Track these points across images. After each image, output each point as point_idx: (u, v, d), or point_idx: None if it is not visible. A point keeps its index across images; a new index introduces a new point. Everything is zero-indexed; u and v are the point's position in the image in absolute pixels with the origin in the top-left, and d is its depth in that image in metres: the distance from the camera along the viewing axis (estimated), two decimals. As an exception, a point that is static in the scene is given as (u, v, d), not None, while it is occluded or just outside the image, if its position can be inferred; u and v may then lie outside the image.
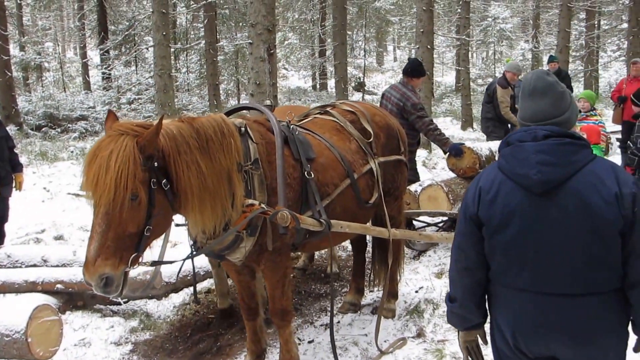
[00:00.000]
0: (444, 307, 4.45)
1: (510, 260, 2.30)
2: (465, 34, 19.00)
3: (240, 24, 22.89)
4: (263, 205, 3.53)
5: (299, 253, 6.37)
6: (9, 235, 6.95)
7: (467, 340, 2.58)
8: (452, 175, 6.95)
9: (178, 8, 22.92)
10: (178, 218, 3.54)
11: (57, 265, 5.68)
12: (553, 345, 2.27)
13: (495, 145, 7.04)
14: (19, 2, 24.89)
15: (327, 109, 4.80)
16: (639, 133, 6.30)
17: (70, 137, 17.33)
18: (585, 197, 2.17)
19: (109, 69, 22.53)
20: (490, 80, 18.29)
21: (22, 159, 8.38)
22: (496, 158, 5.77)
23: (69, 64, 30.76)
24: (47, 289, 5.40)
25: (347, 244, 6.69)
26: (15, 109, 17.55)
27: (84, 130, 17.99)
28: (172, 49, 17.85)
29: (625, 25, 21.44)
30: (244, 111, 4.42)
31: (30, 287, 5.42)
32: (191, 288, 5.43)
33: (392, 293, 5.12)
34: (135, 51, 21.80)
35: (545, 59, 21.11)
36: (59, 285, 5.39)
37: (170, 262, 3.74)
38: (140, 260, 3.15)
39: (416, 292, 5.53)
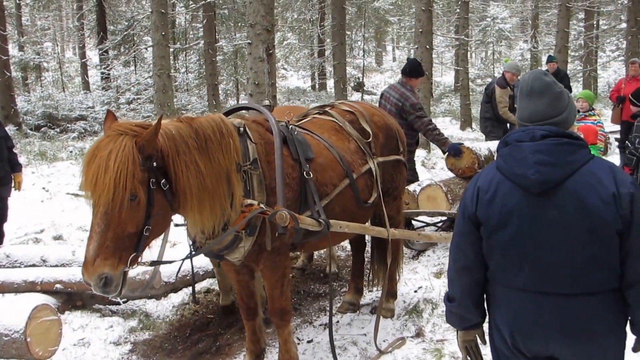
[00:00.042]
0: (442, 307, 4.47)
1: (508, 259, 2.31)
2: (464, 34, 19.02)
3: (239, 24, 22.91)
4: (262, 205, 3.54)
5: (298, 253, 6.37)
6: (8, 235, 6.95)
7: (466, 340, 2.58)
8: (451, 175, 6.95)
9: (177, 8, 22.94)
10: (177, 218, 3.54)
11: (56, 265, 5.68)
12: (551, 345, 2.27)
13: (494, 145, 7.05)
14: (18, 2, 24.89)
15: (326, 109, 4.80)
16: (637, 133, 6.32)
17: (69, 137, 17.33)
18: (583, 197, 2.18)
19: (108, 69, 22.52)
20: (489, 80, 18.31)
21: (21, 159, 8.38)
22: (495, 158, 5.77)
23: (68, 64, 30.78)
24: (46, 288, 5.41)
25: (346, 243, 6.70)
26: (14, 109, 17.54)
27: (83, 130, 18.00)
28: (171, 49, 17.84)
29: (624, 25, 21.42)
30: (243, 111, 4.43)
31: (30, 287, 5.42)
32: (190, 288, 5.44)
33: (391, 293, 5.12)
34: (134, 51, 21.79)
35: (544, 59, 21.14)
36: (58, 285, 5.39)
37: (170, 262, 3.74)
38: (139, 260, 3.16)
39: (415, 291, 5.54)
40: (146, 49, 20.95)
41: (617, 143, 9.46)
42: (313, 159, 3.99)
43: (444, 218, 6.73)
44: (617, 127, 10.56)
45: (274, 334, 4.67)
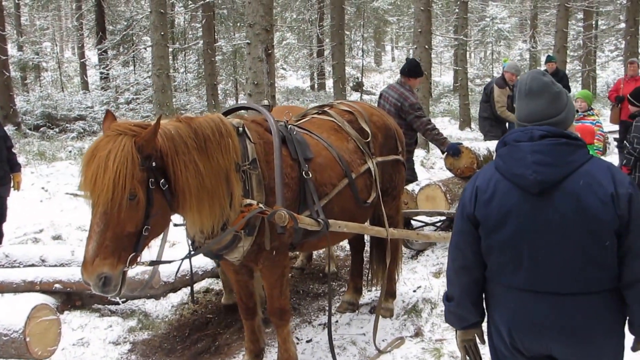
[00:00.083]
0: (441, 307, 4.47)
1: (506, 259, 2.31)
2: (463, 34, 19.02)
3: (239, 24, 22.91)
4: (261, 205, 3.54)
5: (297, 253, 6.38)
6: (7, 235, 6.95)
7: (465, 340, 2.59)
8: (450, 175, 6.96)
9: (176, 8, 22.94)
10: (176, 218, 3.54)
11: (55, 265, 5.68)
12: (550, 344, 2.27)
13: (492, 144, 7.06)
14: (17, 1, 24.90)
15: (325, 108, 4.80)
16: (636, 133, 6.33)
17: (68, 137, 17.32)
18: (581, 198, 2.18)
19: (107, 68, 22.52)
20: (488, 80, 18.32)
21: (20, 159, 8.39)
22: (493, 158, 5.77)
23: (67, 64, 30.78)
24: (45, 288, 5.41)
25: (345, 243, 6.70)
26: (13, 108, 17.53)
27: (82, 130, 17.97)
28: (170, 49, 17.84)
29: (622, 25, 21.45)
30: (242, 111, 4.43)
31: (29, 287, 5.43)
32: (190, 287, 5.44)
33: (390, 292, 5.13)
34: (134, 51, 21.78)
35: (542, 59, 21.12)
36: (57, 285, 5.39)
37: (169, 262, 3.74)
38: (138, 259, 3.17)
39: (414, 291, 5.54)
40: (145, 48, 20.96)
41: (615, 143, 9.46)
42: (312, 159, 4.00)
43: (442, 218, 6.74)
44: (616, 127, 10.57)
45: (273, 333, 4.68)
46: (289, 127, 4.06)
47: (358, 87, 27.38)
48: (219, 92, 22.30)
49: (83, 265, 2.98)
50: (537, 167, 2.22)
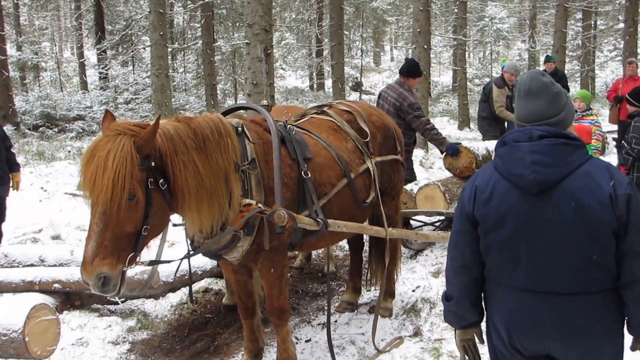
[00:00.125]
0: (440, 306, 4.47)
1: (505, 258, 2.32)
2: (462, 34, 19.01)
3: (238, 24, 22.90)
4: (260, 205, 3.54)
5: (296, 252, 6.38)
6: (6, 235, 6.95)
7: (464, 339, 2.59)
8: (449, 174, 6.97)
9: (175, 8, 22.92)
10: (175, 218, 3.55)
11: (55, 265, 5.69)
12: (548, 343, 2.28)
13: (491, 144, 7.07)
14: (16, 1, 24.88)
15: (324, 108, 4.81)
16: (634, 133, 6.33)
17: (67, 136, 17.32)
18: (579, 198, 2.18)
19: (106, 68, 22.52)
20: (487, 80, 18.33)
21: (20, 159, 8.39)
22: (492, 157, 5.79)
23: (66, 64, 30.74)
24: (44, 288, 5.41)
25: (344, 243, 6.70)
26: (13, 108, 17.53)
27: (81, 130, 17.97)
28: (170, 49, 17.84)
29: (621, 25, 21.47)
30: (241, 111, 4.44)
31: (28, 287, 5.43)
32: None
33: (389, 292, 5.14)
34: (133, 51, 21.76)
35: (541, 58, 21.13)
36: (56, 285, 5.39)
37: (168, 262, 3.74)
38: (137, 259, 3.17)
39: (413, 291, 5.54)
40: (144, 48, 20.96)
41: (614, 143, 9.47)
42: (311, 159, 4.00)
43: (441, 217, 6.75)
44: (615, 127, 10.58)
45: (272, 333, 4.68)
46: (288, 127, 4.06)
47: (357, 87, 27.37)
48: (218, 92, 22.28)
49: (82, 264, 2.99)
50: (535, 167, 2.22)
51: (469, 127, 17.97)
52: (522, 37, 33.20)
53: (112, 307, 5.53)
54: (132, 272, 4.98)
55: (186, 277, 5.66)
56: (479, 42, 31.31)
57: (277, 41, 27.26)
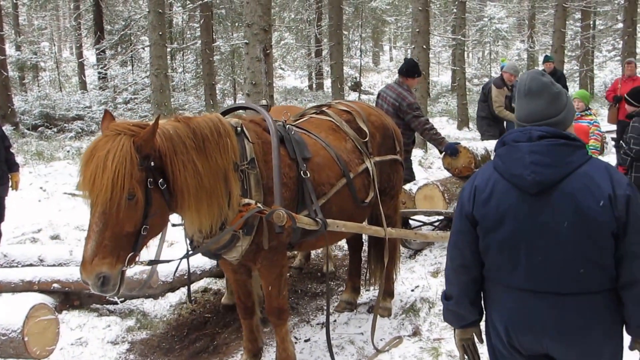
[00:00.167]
0: (439, 306, 4.48)
1: (504, 258, 2.32)
2: (461, 34, 19.02)
3: (237, 24, 22.89)
4: (259, 205, 3.55)
5: (295, 252, 6.38)
6: (5, 235, 6.94)
7: (463, 338, 2.59)
8: (448, 174, 6.97)
9: (174, 8, 22.90)
10: (174, 218, 3.55)
11: (54, 265, 5.69)
12: (548, 343, 2.28)
13: (490, 144, 7.07)
14: (14, 1, 24.87)
15: (323, 108, 4.81)
16: (632, 133, 6.33)
17: (66, 136, 17.31)
18: (579, 199, 2.18)
19: (105, 68, 22.50)
20: (486, 80, 18.32)
21: (19, 159, 8.38)
22: (492, 157, 5.79)
23: (65, 64, 30.76)
24: (43, 288, 5.41)
25: (343, 243, 6.70)
26: (12, 108, 17.52)
27: (80, 130, 17.96)
28: (169, 49, 17.83)
29: (620, 25, 21.47)
30: (240, 111, 4.44)
31: (27, 287, 5.43)
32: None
33: (388, 292, 5.14)
34: (132, 51, 21.75)
35: (540, 58, 21.15)
36: (55, 285, 5.39)
37: (167, 261, 3.75)
38: (137, 259, 3.17)
39: (412, 290, 5.55)
40: (143, 48, 20.93)
41: (613, 143, 9.48)
42: (310, 159, 4.00)
43: (440, 217, 6.75)
44: (614, 127, 10.59)
45: (271, 333, 4.69)
46: (287, 126, 4.07)
47: (356, 87, 27.38)
48: (217, 92, 22.28)
49: (82, 264, 2.99)
50: (535, 168, 2.22)
51: (468, 127, 17.98)
52: (521, 37, 33.21)
53: (111, 307, 5.53)
54: (131, 271, 4.98)
55: (185, 277, 5.66)
56: (477, 42, 31.31)
57: (276, 41, 27.26)
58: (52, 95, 20.19)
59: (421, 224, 6.93)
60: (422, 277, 5.84)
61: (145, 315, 5.40)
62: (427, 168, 11.83)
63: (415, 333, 4.68)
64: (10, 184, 6.60)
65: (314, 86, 30.68)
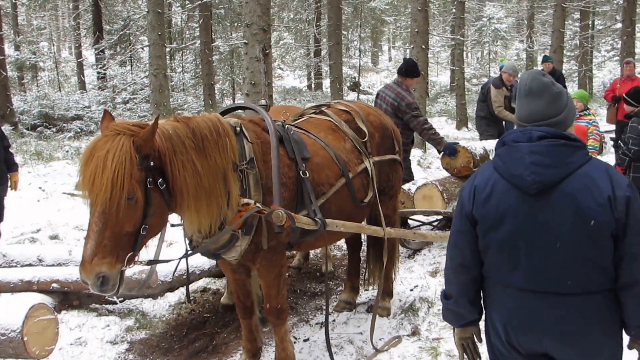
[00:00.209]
0: (438, 306, 4.49)
1: (503, 258, 2.32)
2: (460, 34, 19.03)
3: (236, 24, 22.88)
4: (258, 205, 3.55)
5: (294, 252, 6.39)
6: (4, 235, 6.94)
7: (463, 338, 2.60)
8: (447, 174, 6.98)
9: (173, 8, 22.88)
10: (174, 218, 3.55)
11: (53, 265, 5.69)
12: (548, 343, 2.28)
13: (489, 144, 7.08)
14: (13, 1, 24.86)
15: (322, 108, 4.81)
16: (631, 133, 6.34)
17: (65, 136, 17.31)
18: (578, 199, 2.18)
19: (104, 68, 22.49)
20: (485, 80, 18.32)
21: (18, 159, 8.38)
22: (490, 157, 5.80)
23: (64, 64, 30.75)
24: (42, 288, 5.41)
25: (342, 242, 6.71)
26: (11, 108, 17.52)
27: (79, 130, 17.96)
28: (168, 49, 17.82)
29: (619, 25, 21.48)
30: (239, 111, 4.44)
31: (26, 287, 5.42)
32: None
33: (387, 291, 5.14)
34: (131, 51, 21.75)
35: (539, 58, 21.17)
36: (54, 285, 5.39)
37: (166, 261, 3.75)
38: (136, 259, 3.17)
39: (411, 290, 5.55)
40: (142, 48, 20.94)
41: (612, 142, 9.48)
42: (309, 159, 4.01)
43: (439, 217, 6.76)
44: (612, 127, 10.60)
45: (270, 332, 4.69)
46: (286, 126, 4.07)
47: (355, 87, 27.38)
48: (216, 92, 22.27)
49: (81, 264, 2.99)
50: (535, 168, 2.22)
51: (467, 127, 17.99)
52: (520, 37, 33.23)
53: (110, 307, 5.53)
54: (131, 271, 4.97)
55: (184, 277, 5.67)
56: (476, 42, 31.35)
57: (275, 41, 27.25)
58: (51, 95, 20.18)
59: (420, 223, 6.94)
60: (421, 276, 5.85)
61: (145, 315, 5.40)
62: (426, 168, 11.84)
63: (414, 333, 4.69)
64: (9, 184, 6.59)
65: (313, 86, 30.68)
